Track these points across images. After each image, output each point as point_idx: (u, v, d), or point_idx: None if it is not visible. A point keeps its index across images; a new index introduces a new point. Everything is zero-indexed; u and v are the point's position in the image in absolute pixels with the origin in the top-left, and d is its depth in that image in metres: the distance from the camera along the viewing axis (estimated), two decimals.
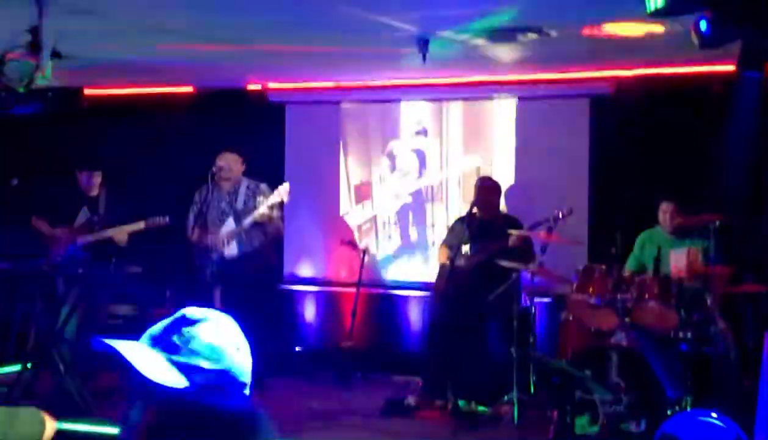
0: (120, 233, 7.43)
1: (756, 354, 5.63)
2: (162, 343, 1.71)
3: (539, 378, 6.58)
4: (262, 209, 7.09)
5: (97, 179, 7.67)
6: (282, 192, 7.10)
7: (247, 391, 1.74)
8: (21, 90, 5.41)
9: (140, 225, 7.40)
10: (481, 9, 5.65)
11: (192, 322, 1.74)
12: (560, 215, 6.74)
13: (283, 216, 7.68)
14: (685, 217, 6.53)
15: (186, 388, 1.66)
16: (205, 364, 1.68)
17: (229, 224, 7.21)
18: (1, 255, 7.15)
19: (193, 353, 1.69)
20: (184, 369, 1.67)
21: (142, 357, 1.67)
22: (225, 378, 1.70)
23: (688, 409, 5.67)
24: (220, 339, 1.73)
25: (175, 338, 1.71)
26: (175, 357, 1.68)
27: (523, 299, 6.96)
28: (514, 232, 6.95)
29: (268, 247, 7.44)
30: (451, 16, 5.83)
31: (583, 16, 5.74)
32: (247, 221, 7.13)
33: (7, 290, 7.81)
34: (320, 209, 8.76)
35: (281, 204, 7.29)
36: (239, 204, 7.24)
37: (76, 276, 7.17)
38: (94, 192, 7.69)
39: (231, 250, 7.20)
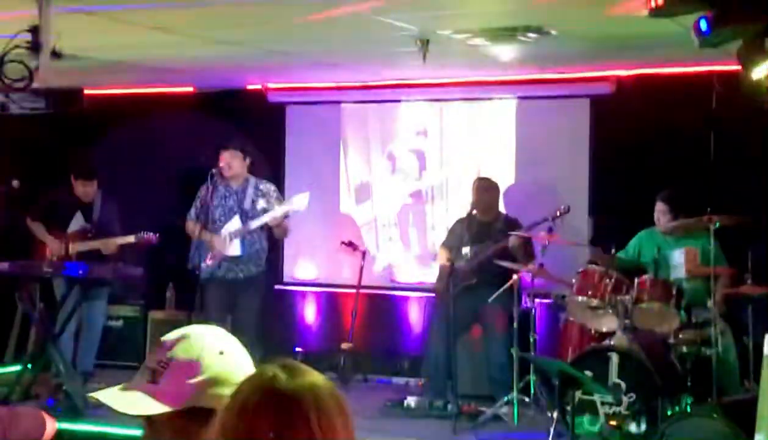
0: (110, 245, 7.46)
1: (756, 354, 5.63)
2: (146, 374, 1.76)
3: (539, 378, 6.58)
4: (279, 212, 7.01)
5: (92, 187, 7.70)
6: (302, 201, 7.03)
7: None
8: (21, 90, 5.40)
9: (130, 239, 7.44)
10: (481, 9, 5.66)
11: (170, 345, 1.77)
12: (558, 213, 6.74)
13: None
14: (680, 218, 6.51)
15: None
16: (186, 380, 1.72)
17: (235, 222, 7.15)
18: (1, 255, 7.15)
19: (173, 374, 1.73)
20: (168, 393, 1.72)
21: (124, 399, 1.73)
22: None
23: (689, 410, 5.67)
24: (197, 351, 1.76)
25: (157, 366, 1.75)
26: (156, 386, 1.73)
27: (524, 301, 6.95)
28: (514, 234, 6.94)
29: (268, 248, 7.42)
30: (451, 16, 5.83)
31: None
32: (257, 223, 7.06)
33: (7, 290, 7.81)
34: (320, 209, 8.75)
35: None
36: (247, 204, 7.19)
37: (75, 277, 7.17)
38: (90, 198, 7.72)
39: (234, 249, 7.14)
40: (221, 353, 1.77)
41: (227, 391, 1.67)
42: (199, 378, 1.72)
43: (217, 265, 7.11)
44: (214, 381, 1.73)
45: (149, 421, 1.73)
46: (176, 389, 1.71)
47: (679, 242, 6.60)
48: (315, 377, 1.48)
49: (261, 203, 7.15)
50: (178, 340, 1.77)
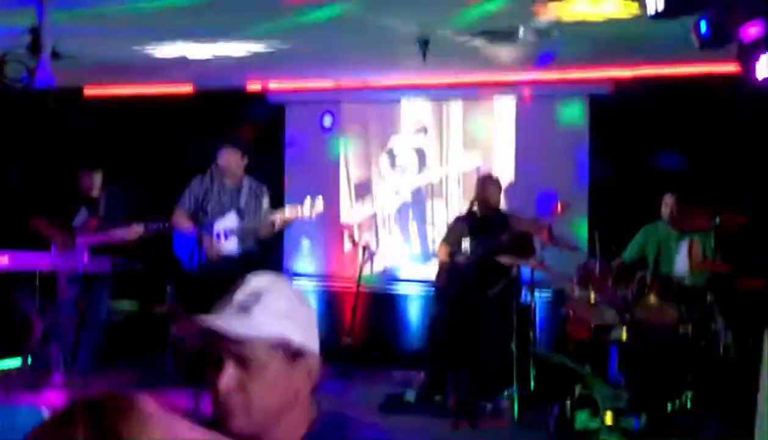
0: (130, 234, 7.42)
1: (756, 352, 5.65)
2: (234, 306, 1.79)
3: (539, 373, 6.60)
4: (287, 214, 6.94)
5: (98, 179, 7.68)
6: (317, 206, 6.94)
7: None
8: (21, 90, 5.42)
9: (140, 229, 7.39)
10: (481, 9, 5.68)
11: (260, 280, 1.82)
12: (558, 209, 6.76)
13: None
14: (687, 209, 6.54)
15: None
16: (279, 317, 1.78)
17: (229, 219, 7.15)
18: (2, 253, 7.17)
19: (265, 308, 1.77)
20: (263, 323, 1.76)
21: (228, 320, 1.75)
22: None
23: (689, 405, 5.70)
24: (288, 295, 1.83)
25: (247, 298, 1.79)
26: (249, 315, 1.76)
27: (524, 295, 6.97)
28: (514, 231, 6.96)
29: (263, 245, 7.42)
30: (451, 16, 5.85)
31: None
32: (262, 221, 7.01)
33: (7, 288, 7.83)
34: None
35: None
36: (242, 203, 7.20)
37: (76, 273, 7.18)
38: (95, 193, 7.71)
39: (230, 247, 7.15)
40: (306, 304, 1.87)
41: (312, 339, 1.85)
42: (290, 318, 1.80)
43: (213, 265, 7.10)
44: (303, 326, 1.83)
45: (241, 360, 1.74)
46: (270, 321, 1.76)
47: (682, 237, 6.63)
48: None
49: (255, 204, 7.16)
50: (269, 279, 1.83)
